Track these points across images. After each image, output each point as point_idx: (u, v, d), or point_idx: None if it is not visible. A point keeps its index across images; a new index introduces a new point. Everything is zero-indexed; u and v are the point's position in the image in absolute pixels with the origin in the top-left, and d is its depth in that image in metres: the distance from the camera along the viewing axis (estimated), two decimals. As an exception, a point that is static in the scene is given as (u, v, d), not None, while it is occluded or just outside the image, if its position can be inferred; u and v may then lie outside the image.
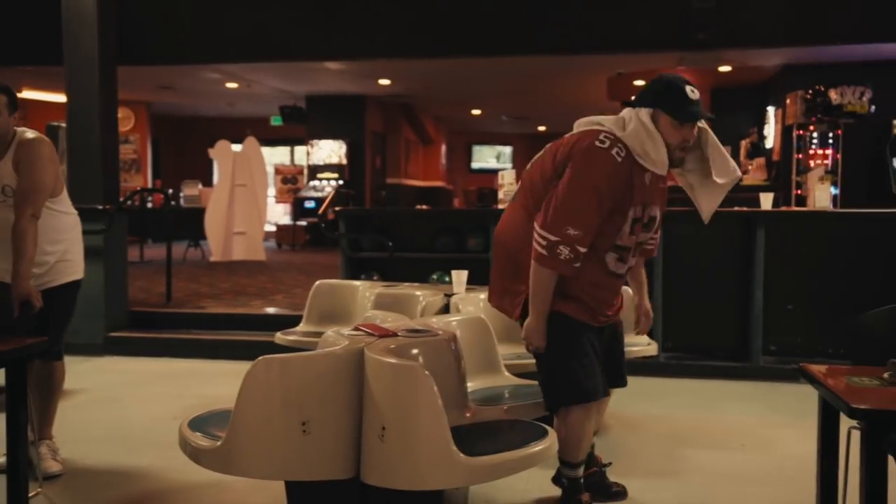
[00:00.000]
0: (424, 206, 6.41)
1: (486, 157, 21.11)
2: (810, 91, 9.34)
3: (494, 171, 19.01)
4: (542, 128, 19.53)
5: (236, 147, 10.95)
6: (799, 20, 8.75)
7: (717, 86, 12.32)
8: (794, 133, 9.83)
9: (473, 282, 3.90)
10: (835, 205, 9.26)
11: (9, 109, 2.98)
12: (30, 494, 2.70)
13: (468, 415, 2.43)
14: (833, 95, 9.02)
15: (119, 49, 6.56)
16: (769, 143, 11.11)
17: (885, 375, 2.17)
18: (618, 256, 2.51)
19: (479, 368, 2.92)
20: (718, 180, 2.50)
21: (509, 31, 9.26)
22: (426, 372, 2.09)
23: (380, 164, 14.43)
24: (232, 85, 12.31)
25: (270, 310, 6.30)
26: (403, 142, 15.64)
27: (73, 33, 5.83)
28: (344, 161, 13.33)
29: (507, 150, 21.14)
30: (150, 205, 11.14)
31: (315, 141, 13.46)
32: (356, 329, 2.55)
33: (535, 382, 3.00)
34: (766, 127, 11.33)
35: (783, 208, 6.29)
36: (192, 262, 10.30)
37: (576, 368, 2.49)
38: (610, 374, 2.64)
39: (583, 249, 2.39)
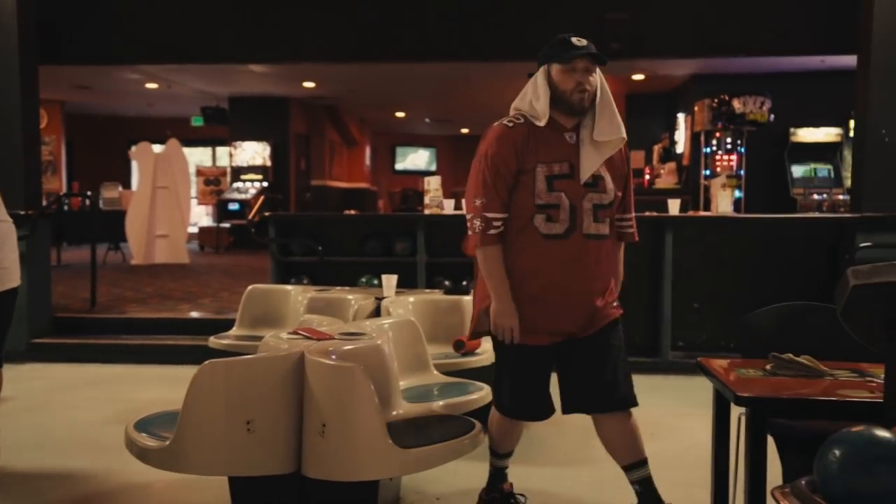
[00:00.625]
0: (353, 211, 6.55)
1: (410, 158, 21.30)
2: (716, 100, 9.90)
3: (419, 173, 19.31)
4: (465, 130, 19.85)
5: (157, 148, 10.82)
6: (705, 33, 9.29)
7: (631, 92, 12.85)
8: (702, 139, 10.38)
9: (402, 285, 4.09)
10: (739, 209, 9.86)
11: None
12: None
13: (401, 411, 2.62)
14: (736, 104, 9.60)
15: (38, 48, 6.45)
16: (679, 149, 11.69)
17: (767, 367, 2.48)
18: (545, 216, 2.44)
19: (410, 368, 3.10)
20: (598, 138, 2.46)
21: (432, 38, 9.49)
22: (364, 372, 2.27)
23: (304, 165, 14.44)
24: (152, 85, 12.12)
25: (197, 314, 6.32)
26: (328, 143, 15.68)
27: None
28: (268, 163, 13.30)
29: (429, 151, 21.40)
30: (66, 207, 10.87)
31: (238, 142, 13.37)
32: (294, 333, 2.71)
33: (463, 380, 3.22)
34: (677, 133, 11.91)
35: (690, 213, 6.69)
36: (112, 266, 10.13)
37: (505, 384, 2.54)
38: (577, 395, 2.50)
39: (492, 215, 2.42)
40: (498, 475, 2.76)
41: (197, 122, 14.26)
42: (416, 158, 21.36)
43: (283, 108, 13.47)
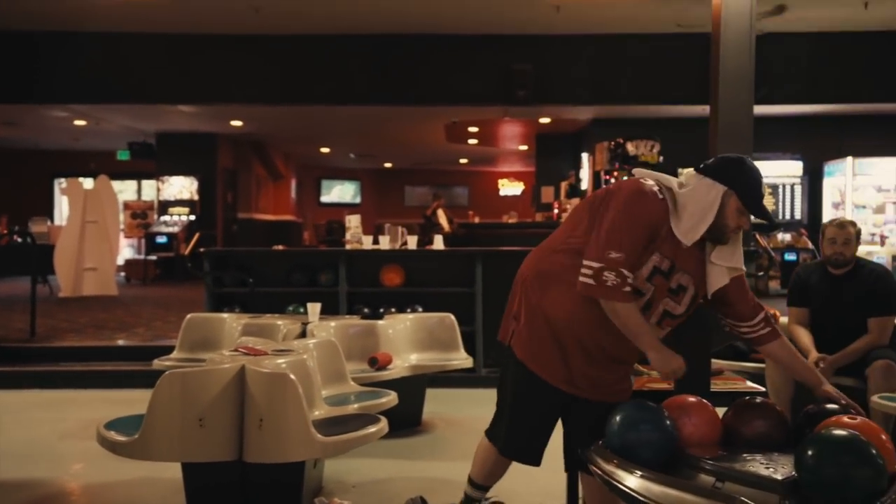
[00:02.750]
0: (281, 247, 7.16)
1: (335, 190, 21.91)
2: (612, 143, 10.94)
3: (344, 205, 19.93)
4: (388, 164, 20.64)
5: (88, 184, 11.15)
6: (600, 84, 10.36)
7: (541, 132, 13.88)
8: (602, 177, 11.40)
9: (325, 312, 4.75)
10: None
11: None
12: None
13: (322, 411, 3.28)
14: (630, 147, 10.64)
15: None
16: (584, 185, 12.71)
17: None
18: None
19: (331, 379, 3.76)
20: (714, 261, 2.45)
21: (351, 83, 10.25)
22: (293, 377, 2.93)
23: (231, 199, 14.90)
24: (80, 122, 12.45)
25: (133, 342, 6.79)
26: (254, 177, 16.18)
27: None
28: (196, 197, 13.73)
29: (354, 185, 22.06)
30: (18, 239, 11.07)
31: (166, 177, 13.76)
32: (235, 350, 3.35)
33: (375, 389, 3.89)
34: (582, 171, 12.95)
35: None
36: (41, 298, 10.34)
37: (510, 419, 2.58)
38: (570, 451, 2.59)
39: (628, 273, 2.33)
40: (465, 501, 2.87)
41: (123, 156, 14.58)
42: (341, 191, 22.00)
43: (210, 144, 13.95)
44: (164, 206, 13.72)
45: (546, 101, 10.45)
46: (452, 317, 4.90)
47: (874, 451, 1.90)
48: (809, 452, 1.91)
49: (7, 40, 9.36)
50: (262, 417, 2.92)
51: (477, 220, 14.55)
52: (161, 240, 12.99)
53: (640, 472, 2.16)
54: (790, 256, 10.65)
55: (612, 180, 11.35)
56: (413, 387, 4.58)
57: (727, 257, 2.45)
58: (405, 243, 6.24)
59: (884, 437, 2.12)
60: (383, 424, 3.15)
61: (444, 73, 10.26)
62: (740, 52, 5.95)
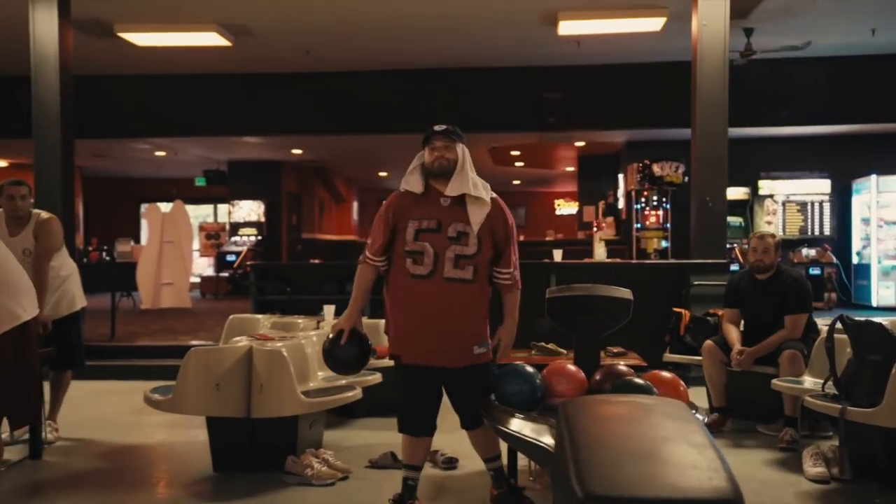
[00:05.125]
0: (317, 260, 8.18)
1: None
2: (640, 164, 11.59)
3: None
4: (445, 187, 21.63)
5: (165, 207, 12.53)
6: (627, 109, 11.05)
7: (583, 155, 14.59)
8: (633, 197, 12.05)
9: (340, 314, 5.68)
10: (666, 256, 11.48)
11: (30, 195, 4.66)
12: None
13: (314, 383, 4.21)
14: (656, 168, 11.29)
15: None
16: (621, 205, 13.37)
17: (532, 351, 4.09)
18: (412, 260, 3.15)
19: (331, 363, 4.67)
20: (448, 193, 3.16)
21: (396, 113, 11.24)
22: (284, 353, 3.87)
23: (296, 221, 16.15)
24: (160, 153, 13.92)
25: (196, 342, 7.91)
26: (317, 200, 17.44)
27: (42, 112, 7.10)
28: (262, 219, 15.02)
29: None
30: (84, 260, 12.50)
31: (236, 201, 15.12)
32: (250, 337, 4.32)
33: (366, 371, 4.78)
34: (619, 191, 13.60)
35: (586, 260, 8.28)
36: (125, 310, 11.74)
37: (401, 402, 3.29)
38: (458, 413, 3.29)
39: (370, 254, 3.27)
40: (404, 485, 3.32)
41: (200, 182, 16.05)
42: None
43: (276, 171, 15.24)
44: (235, 228, 15.06)
45: (575, 127, 11.22)
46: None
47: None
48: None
49: (99, 83, 10.76)
50: (263, 384, 3.87)
51: (522, 237, 15.32)
52: (231, 258, 14.29)
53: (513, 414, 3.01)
54: (815, 271, 11.03)
55: (644, 199, 12.00)
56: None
57: (457, 187, 3.15)
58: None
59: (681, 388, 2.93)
60: (357, 392, 4.06)
61: (481, 103, 11.14)
62: (715, 81, 6.65)
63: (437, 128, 3.23)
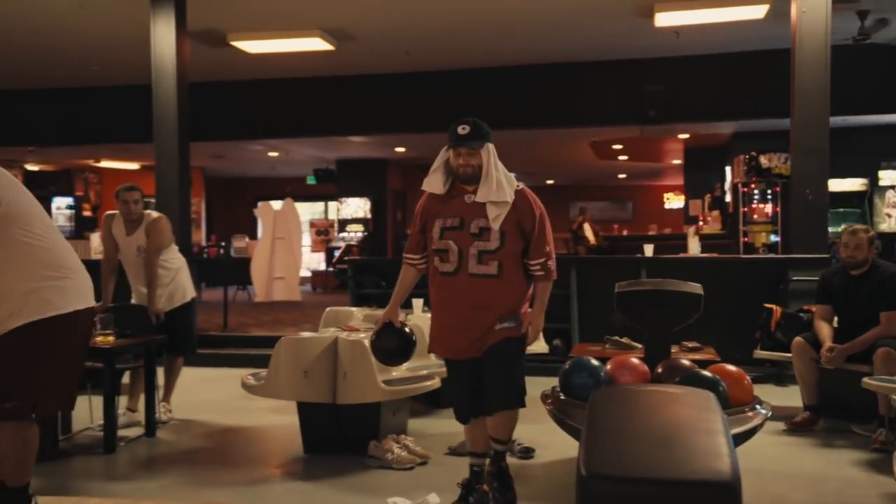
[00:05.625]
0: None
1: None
2: (747, 156, 11.22)
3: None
4: (550, 181, 21.58)
5: (276, 205, 13.18)
6: (732, 100, 10.73)
7: (689, 147, 14.25)
8: (740, 190, 11.68)
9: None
10: (776, 250, 11.08)
11: (142, 199, 5.12)
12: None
13: (396, 373, 4.41)
14: (763, 160, 10.90)
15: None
16: (728, 198, 12.97)
17: (606, 346, 4.14)
18: (440, 258, 3.23)
19: (416, 355, 4.88)
20: (477, 199, 3.17)
21: (495, 110, 11.34)
22: (366, 344, 4.09)
23: (400, 217, 16.58)
24: (273, 154, 14.62)
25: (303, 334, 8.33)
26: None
27: (161, 118, 7.72)
28: (369, 215, 15.52)
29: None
30: (205, 255, 13.36)
31: (344, 198, 15.68)
32: (338, 328, 4.58)
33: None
34: (726, 184, 13.20)
35: (681, 255, 8.12)
36: (240, 303, 12.46)
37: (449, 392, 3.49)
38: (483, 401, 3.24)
39: (406, 254, 3.42)
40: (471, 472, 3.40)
41: (311, 180, 16.75)
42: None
43: (381, 169, 15.70)
44: (343, 224, 15.63)
45: (676, 119, 10.98)
46: (534, 312, 5.85)
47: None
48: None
49: (214, 89, 11.45)
50: (346, 372, 4.12)
51: (625, 232, 15.12)
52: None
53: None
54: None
55: (758, 193, 11.59)
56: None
57: (485, 195, 3.16)
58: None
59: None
60: (435, 381, 4.24)
61: (580, 97, 11.10)
62: (815, 69, 6.41)
63: (460, 131, 3.15)
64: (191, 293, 5.31)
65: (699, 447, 1.57)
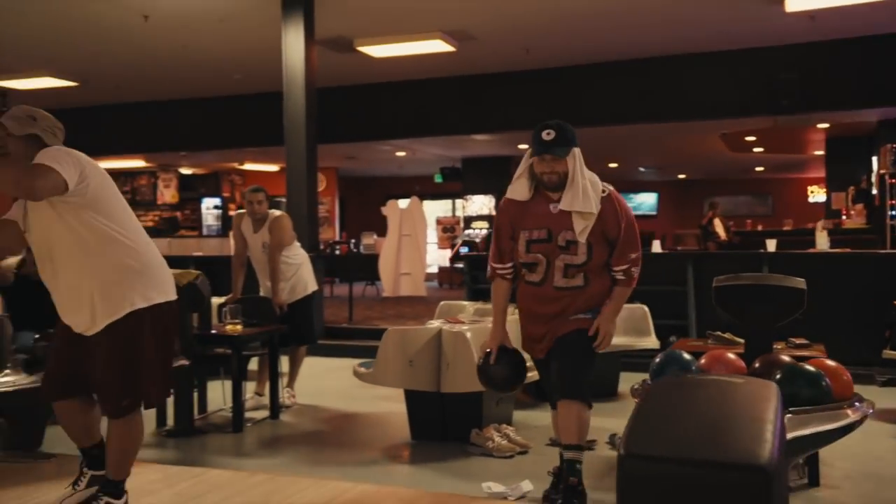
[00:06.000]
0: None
1: (635, 202, 22.62)
2: (893, 146, 10.47)
3: (644, 217, 20.62)
4: (681, 175, 20.93)
5: (403, 203, 13.61)
6: (875, 86, 10.08)
7: (831, 137, 13.47)
8: (887, 182, 10.92)
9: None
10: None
11: (266, 199, 5.51)
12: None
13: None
14: (912, 149, 10.14)
15: (319, 132, 9.07)
16: (874, 190, 12.14)
17: (709, 341, 4.08)
18: (526, 269, 3.21)
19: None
20: (562, 207, 3.08)
21: (617, 104, 11.21)
22: (468, 336, 4.25)
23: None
24: (401, 153, 15.09)
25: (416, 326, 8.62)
26: (548, 194, 17.77)
27: (291, 122, 8.26)
28: (493, 212, 15.69)
29: (653, 196, 22.61)
30: (337, 252, 14.00)
31: (469, 196, 15.94)
32: (444, 320, 4.77)
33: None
34: (872, 175, 12.36)
35: (811, 250, 7.72)
36: (369, 297, 12.99)
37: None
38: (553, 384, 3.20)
39: (494, 264, 3.31)
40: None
41: (438, 179, 17.12)
42: (641, 202, 22.69)
43: (506, 166, 15.80)
44: (468, 221, 15.89)
45: (813, 108, 10.42)
46: (645, 308, 5.82)
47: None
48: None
49: (346, 93, 11.98)
50: (449, 362, 4.29)
51: (760, 227, 14.48)
52: (464, 249, 15.10)
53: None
54: None
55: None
56: (608, 363, 5.59)
57: (569, 203, 3.06)
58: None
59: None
60: (534, 374, 4.31)
61: (707, 89, 10.75)
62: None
63: (545, 136, 3.06)
64: (312, 287, 5.67)
65: (742, 432, 1.58)
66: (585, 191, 3.04)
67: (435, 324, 4.66)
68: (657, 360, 3.34)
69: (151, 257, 2.89)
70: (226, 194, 17.30)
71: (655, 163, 18.22)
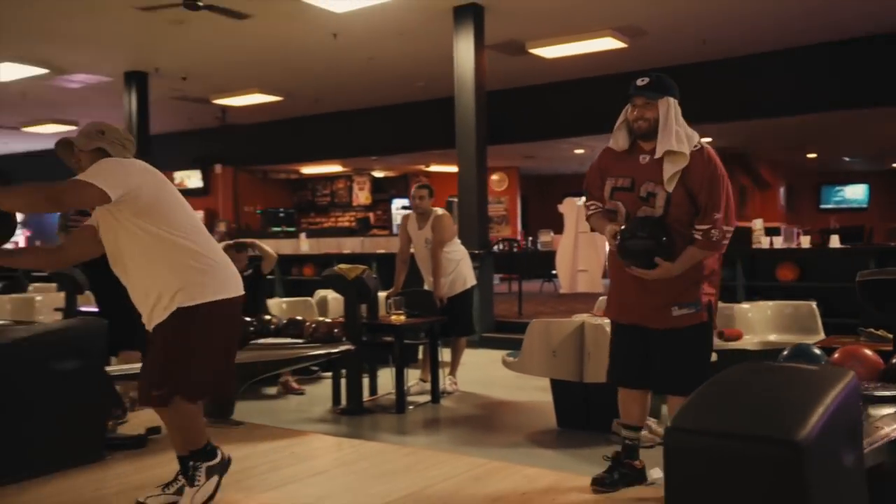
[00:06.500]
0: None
1: (840, 194, 21.02)
2: None
3: (848, 210, 19.12)
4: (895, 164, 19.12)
5: (581, 201, 13.66)
6: None
7: None
8: None
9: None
10: None
11: (429, 196, 5.93)
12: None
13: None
14: None
15: (491, 133, 9.37)
16: None
17: (861, 338, 3.93)
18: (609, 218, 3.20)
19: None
20: (657, 155, 3.04)
21: (817, 91, 10.51)
22: (608, 329, 4.39)
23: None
24: (579, 151, 15.14)
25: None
26: (737, 188, 16.99)
27: (462, 125, 8.74)
28: (676, 208, 15.29)
29: (862, 187, 20.83)
30: (514, 249, 14.35)
31: (651, 192, 15.64)
32: (590, 313, 4.93)
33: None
34: None
35: None
36: (546, 293, 13.21)
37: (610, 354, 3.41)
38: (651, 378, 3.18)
39: (587, 201, 3.32)
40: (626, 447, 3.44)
41: (620, 176, 16.91)
42: (843, 195, 21.02)
43: (690, 160, 15.34)
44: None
45: None
46: (812, 305, 5.59)
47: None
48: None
49: (519, 94, 12.26)
50: (590, 353, 4.46)
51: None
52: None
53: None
54: None
55: None
56: (768, 360, 5.45)
57: (661, 147, 3.00)
58: (800, 243, 6.87)
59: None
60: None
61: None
62: None
63: (638, 82, 3.08)
64: (471, 281, 6.02)
65: (786, 411, 1.63)
66: (679, 136, 3.01)
67: (581, 317, 4.84)
68: (784, 353, 3.31)
69: (214, 257, 2.97)
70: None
71: (862, 151, 16.81)
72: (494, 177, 17.74)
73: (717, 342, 5.31)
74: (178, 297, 2.83)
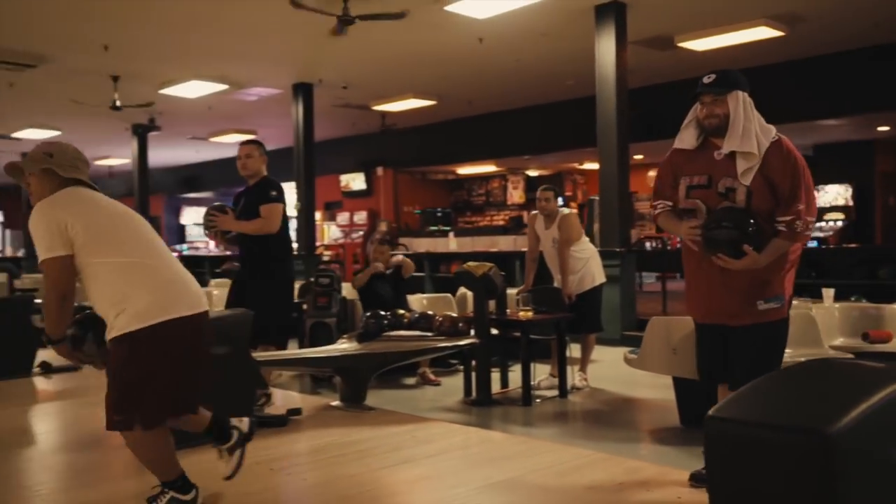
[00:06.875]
0: (853, 245, 7.85)
1: None
2: None
3: None
4: None
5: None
6: None
7: None
8: None
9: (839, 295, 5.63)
10: None
11: (554, 197, 6.06)
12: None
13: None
14: None
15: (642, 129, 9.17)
16: None
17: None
18: (686, 217, 3.18)
19: (805, 343, 4.84)
20: (723, 150, 3.05)
21: None
22: (727, 326, 4.34)
23: (893, 202, 14.81)
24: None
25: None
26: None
27: (603, 123, 8.70)
28: (850, 202, 14.27)
29: None
30: (668, 247, 13.99)
31: (821, 186, 14.67)
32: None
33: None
34: None
35: None
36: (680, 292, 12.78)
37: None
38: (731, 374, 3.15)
39: (655, 201, 3.31)
40: None
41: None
42: None
43: (866, 151, 14.26)
44: (820, 213, 14.65)
45: None
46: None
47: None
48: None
49: (668, 89, 11.94)
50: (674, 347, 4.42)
51: None
52: (811, 244, 13.98)
53: None
54: None
55: None
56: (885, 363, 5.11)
57: (729, 144, 2.99)
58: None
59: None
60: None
61: None
62: None
63: (705, 79, 3.08)
64: (599, 279, 6.08)
65: (827, 404, 1.64)
66: (747, 132, 2.99)
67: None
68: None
69: (167, 274, 2.89)
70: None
71: None
72: (651, 173, 17.34)
73: (861, 344, 5.07)
74: (119, 321, 2.76)
